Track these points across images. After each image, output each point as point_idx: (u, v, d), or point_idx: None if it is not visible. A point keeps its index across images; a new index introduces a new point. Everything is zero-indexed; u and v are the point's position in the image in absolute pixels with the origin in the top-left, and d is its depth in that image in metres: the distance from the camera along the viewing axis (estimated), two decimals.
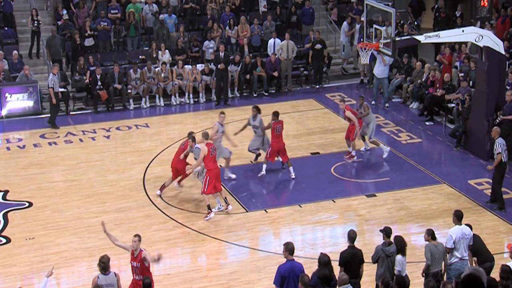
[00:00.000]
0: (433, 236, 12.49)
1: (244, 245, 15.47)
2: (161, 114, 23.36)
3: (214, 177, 16.12)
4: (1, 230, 16.08)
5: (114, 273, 11.56)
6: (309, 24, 26.77)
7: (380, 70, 23.30)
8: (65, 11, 25.30)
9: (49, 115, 22.37)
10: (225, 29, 25.59)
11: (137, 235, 12.10)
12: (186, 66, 24.29)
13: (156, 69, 23.83)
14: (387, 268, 12.31)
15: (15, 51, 23.90)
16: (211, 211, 16.27)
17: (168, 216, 16.58)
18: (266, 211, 16.82)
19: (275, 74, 24.61)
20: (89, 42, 24.50)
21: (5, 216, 16.65)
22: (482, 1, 20.16)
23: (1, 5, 24.98)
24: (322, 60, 25.40)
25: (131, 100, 23.65)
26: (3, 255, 15.10)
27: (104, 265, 11.40)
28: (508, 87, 19.69)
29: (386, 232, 12.59)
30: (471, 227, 12.80)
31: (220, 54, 23.51)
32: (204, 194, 16.21)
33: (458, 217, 13.15)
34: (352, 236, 12.54)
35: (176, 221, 16.25)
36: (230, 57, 24.23)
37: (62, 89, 22.34)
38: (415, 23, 25.56)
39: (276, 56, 24.66)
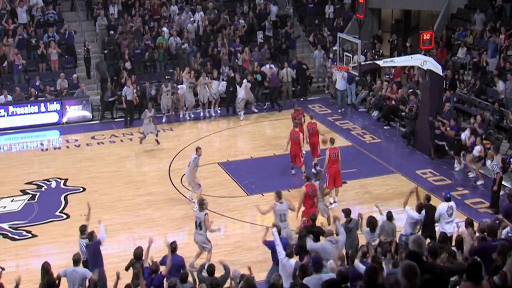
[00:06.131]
0: (390, 217, 12.42)
1: (246, 221, 15.49)
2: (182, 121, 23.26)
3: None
4: (63, 209, 16.18)
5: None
6: (293, 48, 26.58)
7: (342, 85, 23.07)
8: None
9: (96, 121, 22.54)
10: (235, 55, 25.40)
11: None
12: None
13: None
14: (349, 239, 12.10)
15: (75, 74, 23.83)
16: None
17: (187, 198, 16.58)
18: (263, 195, 16.78)
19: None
20: (128, 65, 24.38)
21: (65, 198, 16.75)
22: (426, 36, 20.23)
23: (65, 38, 24.89)
24: (306, 79, 25.26)
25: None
26: (64, 227, 15.22)
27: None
28: (446, 101, 19.69)
29: (346, 212, 12.45)
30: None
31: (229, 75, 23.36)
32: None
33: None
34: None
35: (194, 202, 16.21)
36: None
37: (112, 99, 22.31)
38: (380, 51, 25.51)
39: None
